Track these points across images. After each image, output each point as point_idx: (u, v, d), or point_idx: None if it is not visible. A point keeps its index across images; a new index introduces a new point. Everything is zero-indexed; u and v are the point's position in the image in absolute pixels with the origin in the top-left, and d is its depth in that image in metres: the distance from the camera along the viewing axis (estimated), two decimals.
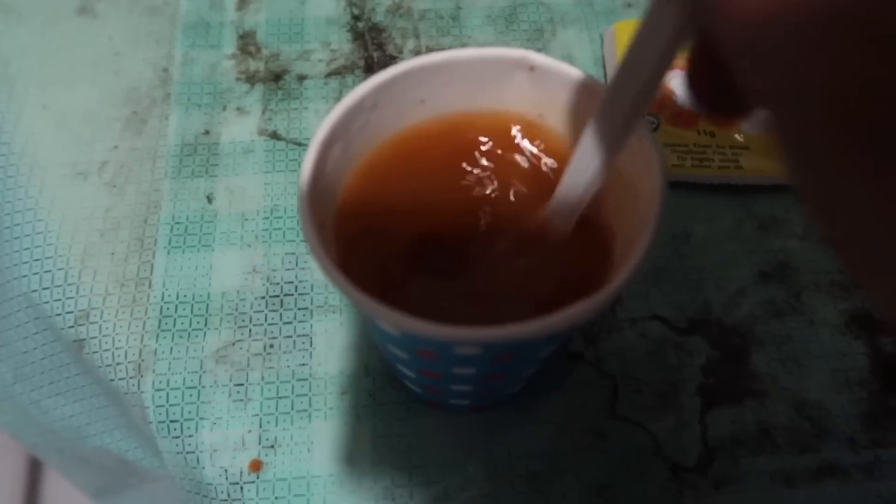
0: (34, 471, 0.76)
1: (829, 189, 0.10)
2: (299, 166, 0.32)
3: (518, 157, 0.22)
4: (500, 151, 0.22)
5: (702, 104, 0.16)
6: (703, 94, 0.16)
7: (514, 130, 0.22)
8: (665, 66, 0.15)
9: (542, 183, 0.22)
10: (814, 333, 0.29)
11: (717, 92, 0.16)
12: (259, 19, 0.36)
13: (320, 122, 0.33)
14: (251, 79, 0.34)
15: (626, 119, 0.17)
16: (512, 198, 0.22)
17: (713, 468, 0.26)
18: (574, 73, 0.20)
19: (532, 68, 0.21)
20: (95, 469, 0.37)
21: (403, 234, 0.21)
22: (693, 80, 0.16)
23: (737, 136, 0.32)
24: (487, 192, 0.22)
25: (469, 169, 0.22)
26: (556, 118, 0.22)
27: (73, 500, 0.47)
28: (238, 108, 0.33)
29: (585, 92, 0.20)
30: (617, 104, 0.17)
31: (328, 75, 0.35)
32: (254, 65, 0.35)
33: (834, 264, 0.30)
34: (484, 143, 0.22)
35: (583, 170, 0.19)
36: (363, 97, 0.20)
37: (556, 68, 0.20)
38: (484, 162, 0.22)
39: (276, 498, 0.25)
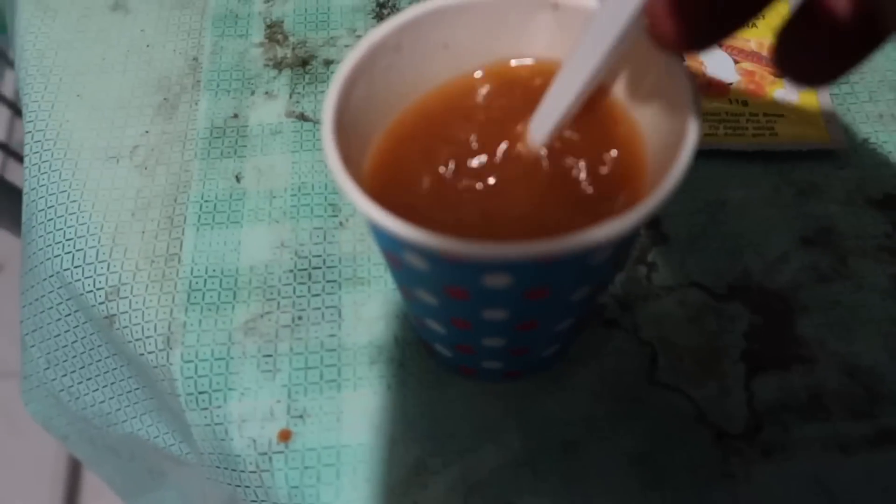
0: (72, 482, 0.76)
1: None
2: None
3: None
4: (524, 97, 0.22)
5: (662, 40, 0.16)
6: (793, 64, 0.15)
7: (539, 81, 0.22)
8: None
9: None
10: (862, 298, 0.28)
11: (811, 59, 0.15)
12: (286, 9, 0.37)
13: None
14: (279, 65, 0.35)
15: (617, 37, 0.17)
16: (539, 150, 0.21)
17: (761, 435, 0.25)
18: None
19: (556, 6, 0.20)
20: (126, 462, 0.37)
21: (428, 178, 0.21)
22: (782, 52, 0.15)
23: (769, 99, 0.32)
24: (516, 132, 0.21)
25: (498, 123, 0.22)
26: None
27: None
28: (266, 93, 0.34)
29: None
30: (608, 23, 0.17)
31: None
32: (281, 52, 0.35)
33: (881, 229, 0.29)
34: (510, 90, 0.22)
35: (569, 79, 0.18)
36: (386, 36, 0.20)
37: (580, 6, 0.20)
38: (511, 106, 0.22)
39: (305, 468, 0.25)
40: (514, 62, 0.22)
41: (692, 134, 0.17)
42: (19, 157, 0.73)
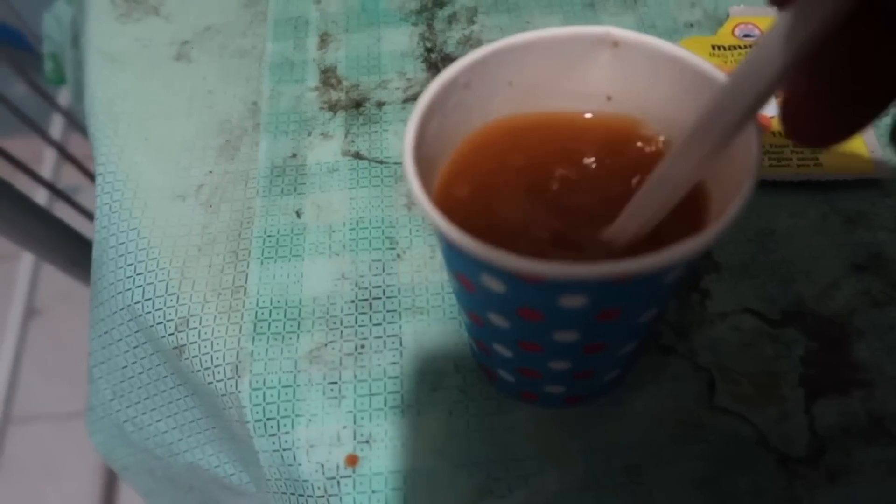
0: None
1: None
2: (382, 181, 0.33)
3: (605, 141, 0.23)
4: (589, 135, 0.23)
5: (801, 136, 0.15)
6: (802, 126, 0.15)
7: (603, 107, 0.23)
8: (799, 59, 0.14)
9: (634, 163, 0.22)
10: None
11: (818, 122, 0.15)
12: (339, 56, 0.39)
13: (400, 142, 0.34)
14: (333, 107, 0.36)
15: (742, 116, 0.16)
16: (606, 180, 0.23)
17: (825, 459, 0.25)
18: (660, 45, 0.21)
19: (615, 44, 0.21)
20: (183, 493, 0.37)
21: (496, 218, 0.22)
22: (791, 114, 0.15)
23: None
24: (582, 169, 0.23)
25: (563, 153, 0.23)
26: (640, 95, 0.22)
27: None
28: (322, 133, 0.35)
29: (670, 62, 0.21)
30: (736, 101, 0.16)
31: (405, 101, 0.36)
32: (335, 95, 0.37)
33: None
34: (573, 130, 0.23)
35: (677, 170, 0.18)
36: (457, 74, 0.21)
37: (640, 43, 0.21)
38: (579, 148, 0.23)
39: (373, 492, 0.25)
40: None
41: (755, 155, 0.18)
42: (65, 198, 0.76)
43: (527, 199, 0.22)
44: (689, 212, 0.21)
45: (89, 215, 0.80)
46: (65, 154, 0.84)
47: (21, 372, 1.07)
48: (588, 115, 0.23)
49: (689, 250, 0.16)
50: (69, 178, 1.18)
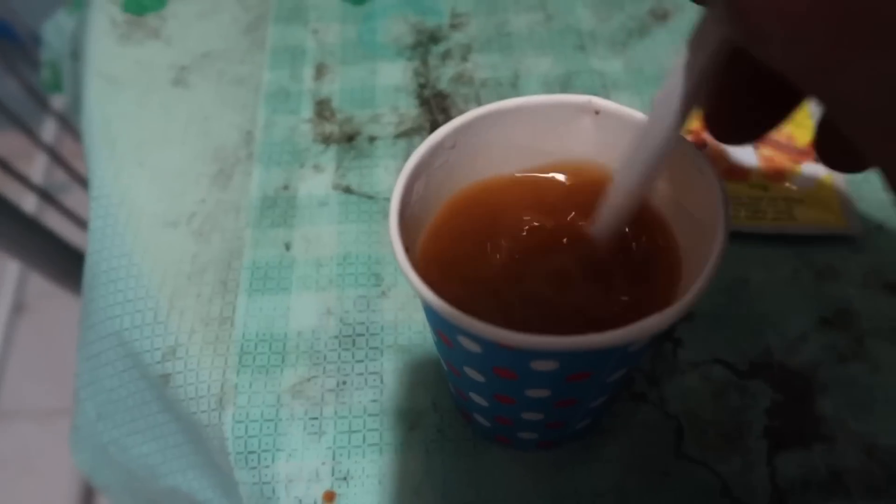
0: None
1: None
2: (370, 217, 0.34)
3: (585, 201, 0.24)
4: (570, 196, 0.24)
5: (718, 135, 0.20)
6: (721, 129, 0.20)
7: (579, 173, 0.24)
8: (698, 94, 0.17)
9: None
10: (880, 379, 0.29)
11: (732, 123, 0.19)
12: (334, 88, 0.39)
13: (390, 177, 0.35)
14: (326, 140, 0.37)
15: (663, 142, 0.19)
16: (580, 239, 0.23)
17: None
18: (638, 116, 0.22)
19: (597, 112, 0.22)
20: None
21: (476, 274, 0.23)
22: (711, 115, 0.20)
23: (788, 185, 0.34)
24: (558, 235, 0.23)
25: (542, 214, 0.24)
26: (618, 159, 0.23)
27: None
28: (314, 166, 0.36)
29: None
30: (654, 131, 0.19)
31: (397, 136, 0.37)
32: (329, 127, 0.38)
33: None
34: (554, 190, 0.24)
35: (621, 188, 0.20)
36: (444, 137, 0.22)
37: (620, 112, 0.22)
38: (556, 206, 0.24)
39: None
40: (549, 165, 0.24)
41: (723, 224, 0.19)
42: (55, 203, 0.76)
43: (505, 257, 0.23)
44: (663, 282, 0.22)
45: (78, 220, 0.81)
46: (56, 157, 0.84)
47: (6, 367, 1.07)
48: (567, 177, 0.24)
49: (653, 326, 0.17)
50: (61, 174, 1.18)
